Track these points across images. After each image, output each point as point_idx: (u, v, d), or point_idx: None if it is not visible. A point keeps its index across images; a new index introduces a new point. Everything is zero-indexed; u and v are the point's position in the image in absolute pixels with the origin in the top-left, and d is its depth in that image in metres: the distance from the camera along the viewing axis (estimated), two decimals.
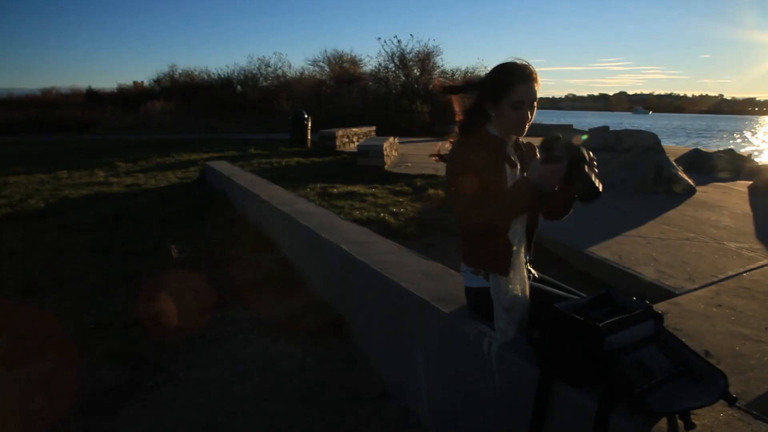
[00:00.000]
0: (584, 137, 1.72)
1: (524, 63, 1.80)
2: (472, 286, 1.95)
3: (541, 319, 1.63)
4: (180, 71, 28.66)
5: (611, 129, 9.92)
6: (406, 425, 2.32)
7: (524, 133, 1.88)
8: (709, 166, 9.74)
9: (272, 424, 2.34)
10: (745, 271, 3.64)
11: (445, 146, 2.04)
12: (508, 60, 1.83)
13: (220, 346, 3.05)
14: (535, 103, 1.81)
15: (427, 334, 2.25)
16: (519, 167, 1.90)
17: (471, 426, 1.98)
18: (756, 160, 11.48)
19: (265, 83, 27.05)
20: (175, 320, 3.26)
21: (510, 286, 1.79)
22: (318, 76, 26.82)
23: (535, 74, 1.79)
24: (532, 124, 1.87)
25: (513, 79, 1.76)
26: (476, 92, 1.93)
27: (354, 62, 27.18)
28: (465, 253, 1.96)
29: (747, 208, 6.32)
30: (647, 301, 1.58)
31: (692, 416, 1.32)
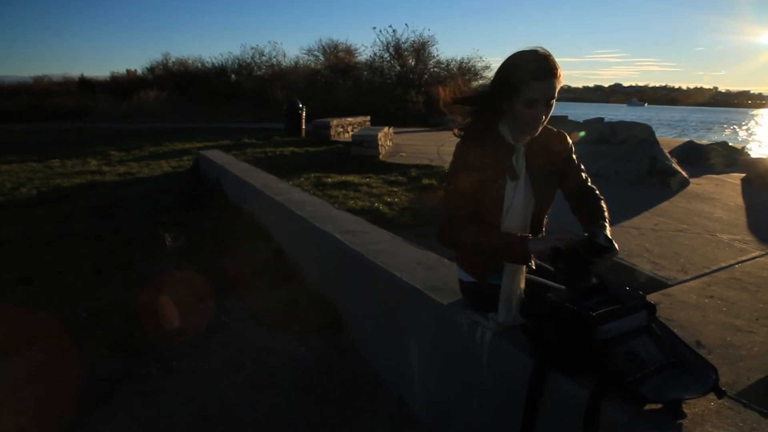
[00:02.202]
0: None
1: (544, 54, 1.59)
2: (463, 279, 1.94)
3: (535, 308, 1.64)
4: (174, 60, 28.43)
5: (606, 120, 9.93)
6: (400, 414, 2.33)
7: (537, 133, 1.71)
8: (703, 159, 9.78)
9: (267, 413, 2.34)
10: (737, 263, 3.66)
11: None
12: (527, 48, 1.62)
13: (214, 335, 3.05)
14: (553, 101, 1.64)
15: (421, 324, 2.25)
16: (523, 176, 1.74)
17: (465, 414, 1.99)
18: (747, 150, 11.55)
19: (259, 72, 26.86)
20: (169, 310, 3.25)
21: (517, 278, 1.75)
22: (313, 66, 26.66)
23: (555, 69, 1.58)
24: None
25: (528, 74, 1.57)
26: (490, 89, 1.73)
27: (349, 52, 27.03)
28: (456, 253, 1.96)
29: (740, 200, 6.36)
30: (640, 292, 1.59)
31: (683, 406, 1.33)
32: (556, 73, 1.59)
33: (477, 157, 1.72)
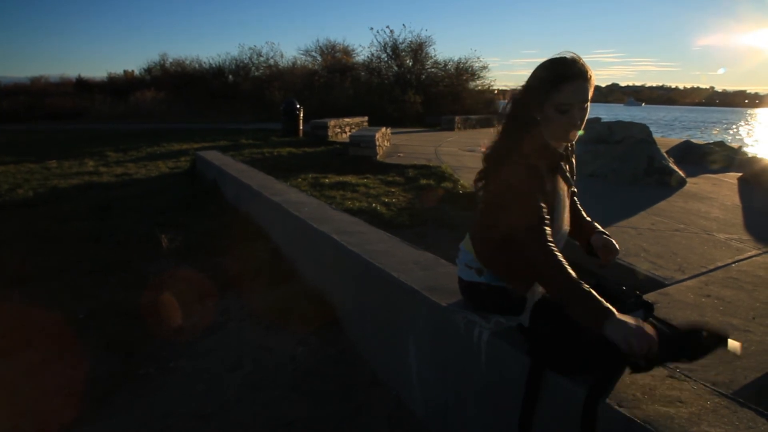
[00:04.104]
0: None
1: (573, 58, 1.58)
2: (463, 278, 1.95)
3: (532, 308, 1.64)
4: (171, 60, 28.39)
5: (603, 120, 9.96)
6: (398, 414, 2.33)
7: (574, 140, 1.70)
8: (700, 158, 9.81)
9: (265, 412, 2.34)
10: (734, 262, 3.68)
11: (481, 149, 1.76)
12: (556, 55, 1.61)
13: (212, 335, 3.05)
14: (587, 105, 1.60)
15: (419, 324, 2.26)
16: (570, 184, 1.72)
17: (463, 414, 1.99)
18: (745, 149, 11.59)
19: (257, 73, 26.85)
20: (167, 309, 3.25)
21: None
22: (310, 66, 26.66)
23: (585, 71, 1.56)
24: None
25: (557, 77, 1.56)
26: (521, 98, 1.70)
27: (346, 52, 27.05)
28: (483, 253, 1.82)
29: (736, 199, 6.38)
30: (638, 291, 1.59)
31: (679, 405, 1.34)
32: (587, 76, 1.57)
33: (536, 164, 1.63)
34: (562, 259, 1.51)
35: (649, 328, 1.35)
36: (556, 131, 1.64)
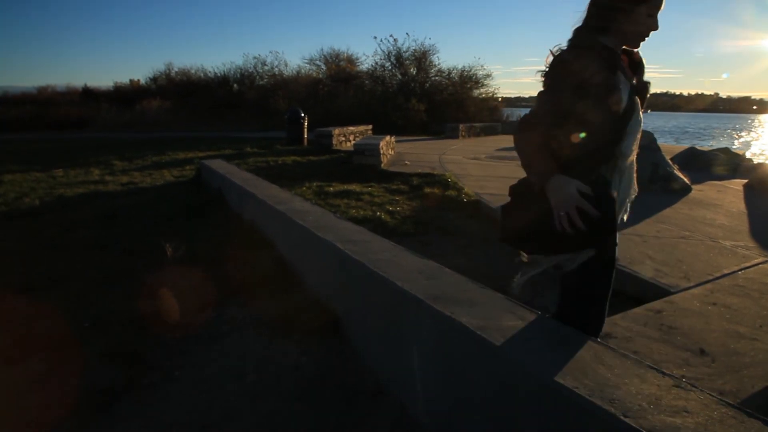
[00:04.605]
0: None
1: None
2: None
3: None
4: (176, 69, 28.66)
5: None
6: (402, 423, 2.32)
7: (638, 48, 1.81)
8: (705, 165, 9.78)
9: (267, 422, 2.34)
10: (740, 270, 3.66)
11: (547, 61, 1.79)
12: None
13: (215, 344, 3.04)
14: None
15: (423, 333, 2.25)
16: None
17: (467, 423, 1.98)
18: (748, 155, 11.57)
19: (261, 82, 27.03)
20: (171, 319, 3.25)
21: None
22: (314, 75, 26.82)
23: None
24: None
25: None
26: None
27: (350, 61, 27.18)
28: None
29: (742, 206, 6.35)
30: None
31: (686, 415, 1.33)
32: None
33: (591, 63, 1.67)
34: (539, 128, 1.72)
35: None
36: (635, 34, 1.73)
